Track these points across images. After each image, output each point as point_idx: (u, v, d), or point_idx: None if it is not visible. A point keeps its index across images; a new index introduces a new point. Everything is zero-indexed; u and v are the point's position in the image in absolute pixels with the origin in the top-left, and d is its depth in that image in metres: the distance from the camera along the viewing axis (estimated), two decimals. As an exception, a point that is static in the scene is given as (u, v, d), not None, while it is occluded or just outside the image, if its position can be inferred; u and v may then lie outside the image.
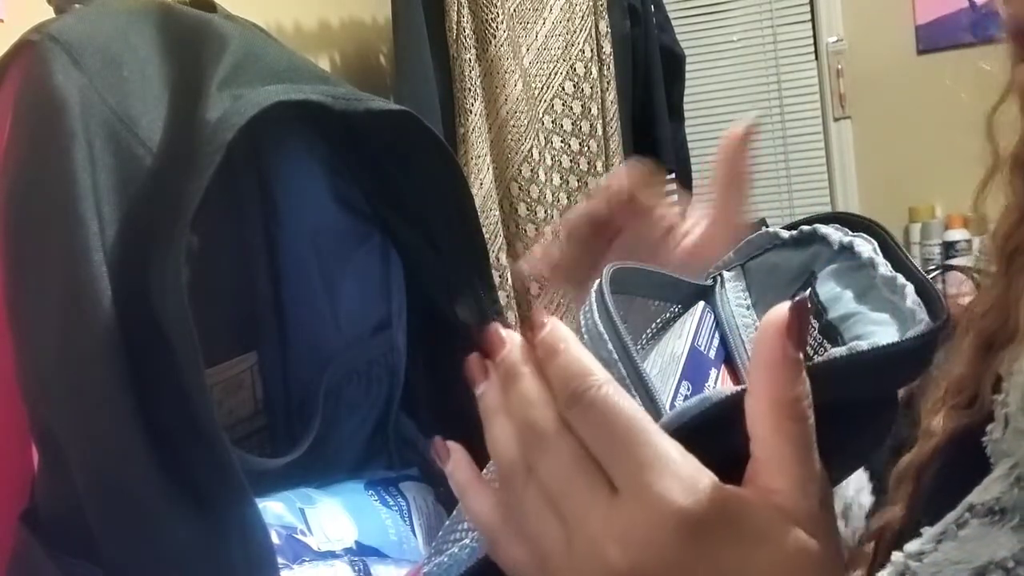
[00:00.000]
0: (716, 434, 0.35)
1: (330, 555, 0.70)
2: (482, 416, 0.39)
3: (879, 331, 0.39)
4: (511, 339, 0.39)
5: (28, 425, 0.62)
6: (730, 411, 0.35)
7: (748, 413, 0.35)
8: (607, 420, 0.34)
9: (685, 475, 0.33)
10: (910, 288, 0.39)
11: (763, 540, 0.33)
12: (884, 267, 0.41)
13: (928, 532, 0.41)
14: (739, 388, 0.36)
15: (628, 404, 0.35)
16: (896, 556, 0.41)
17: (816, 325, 0.43)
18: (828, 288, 0.44)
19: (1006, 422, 0.43)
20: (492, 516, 0.39)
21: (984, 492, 0.41)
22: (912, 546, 0.41)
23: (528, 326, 0.38)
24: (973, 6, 2.47)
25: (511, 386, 0.38)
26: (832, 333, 0.42)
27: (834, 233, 0.45)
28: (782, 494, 0.34)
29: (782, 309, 0.34)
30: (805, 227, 0.47)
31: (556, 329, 0.37)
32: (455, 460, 0.41)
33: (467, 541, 0.42)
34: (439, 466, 0.42)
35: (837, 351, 0.37)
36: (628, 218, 0.59)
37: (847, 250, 0.44)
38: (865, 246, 0.43)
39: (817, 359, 0.37)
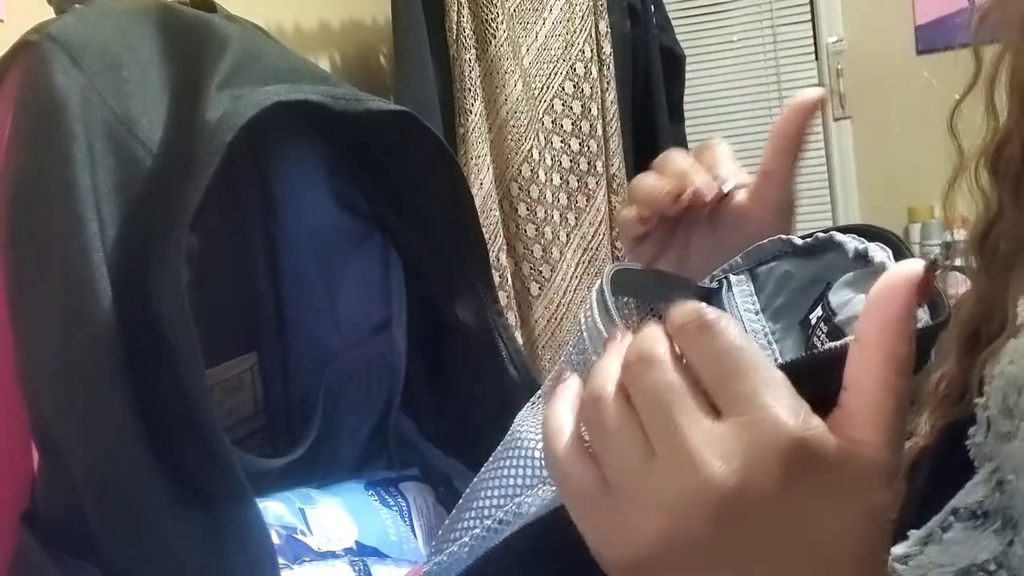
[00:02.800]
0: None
1: (330, 555, 0.70)
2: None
3: None
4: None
5: (29, 426, 0.62)
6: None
7: (853, 361, 0.34)
8: (725, 343, 0.34)
9: (799, 410, 0.33)
10: None
11: (858, 490, 0.33)
12: None
13: (914, 535, 0.42)
14: (834, 345, 0.36)
15: (741, 331, 0.35)
16: None
17: (825, 329, 0.43)
18: (841, 295, 0.43)
19: (988, 426, 0.43)
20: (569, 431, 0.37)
21: (967, 496, 0.41)
22: (898, 549, 0.41)
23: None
24: (973, 6, 2.47)
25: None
26: (839, 335, 0.42)
27: (850, 241, 0.44)
28: (873, 447, 0.34)
29: (915, 264, 0.34)
30: (820, 234, 0.47)
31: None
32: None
33: (467, 539, 0.42)
34: None
35: (834, 344, 0.37)
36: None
37: (862, 258, 0.43)
38: (879, 252, 0.43)
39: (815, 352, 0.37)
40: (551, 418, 0.38)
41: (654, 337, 0.36)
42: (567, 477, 0.37)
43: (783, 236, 0.49)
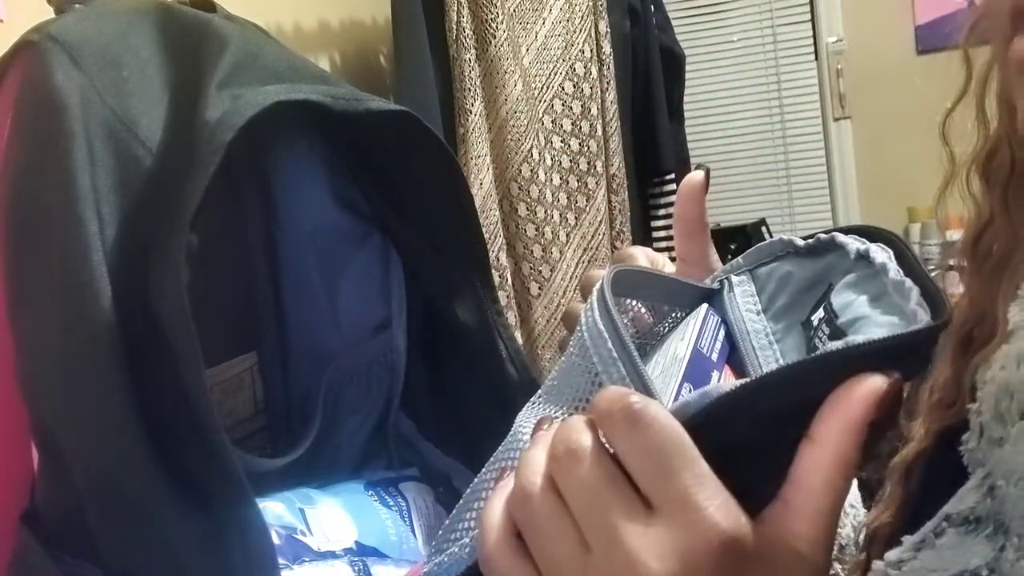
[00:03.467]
0: (713, 430, 0.36)
1: (330, 555, 0.70)
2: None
3: (881, 332, 0.39)
4: None
5: (28, 426, 0.62)
6: (729, 408, 0.35)
7: (804, 458, 0.35)
8: (653, 438, 0.35)
9: (730, 507, 0.34)
10: (916, 291, 0.39)
11: None
12: (895, 272, 0.41)
13: (908, 541, 0.42)
14: (739, 383, 0.36)
15: (675, 422, 0.35)
16: (876, 564, 0.42)
17: (827, 331, 0.43)
18: (843, 297, 0.44)
19: (980, 431, 0.43)
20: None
21: (959, 502, 0.42)
22: (892, 554, 0.42)
23: None
24: (972, 7, 2.47)
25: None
26: (840, 337, 0.42)
27: (851, 242, 0.44)
28: (808, 541, 0.35)
29: (880, 379, 0.35)
30: (822, 235, 0.47)
31: None
32: None
33: (467, 540, 0.42)
34: None
35: (832, 345, 0.37)
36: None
37: (863, 259, 0.43)
38: (880, 253, 0.43)
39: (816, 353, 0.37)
40: (486, 517, 0.39)
41: (579, 428, 0.37)
42: (503, 574, 0.37)
43: (784, 237, 0.49)
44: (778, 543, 0.35)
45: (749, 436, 0.36)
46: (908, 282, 0.40)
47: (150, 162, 0.61)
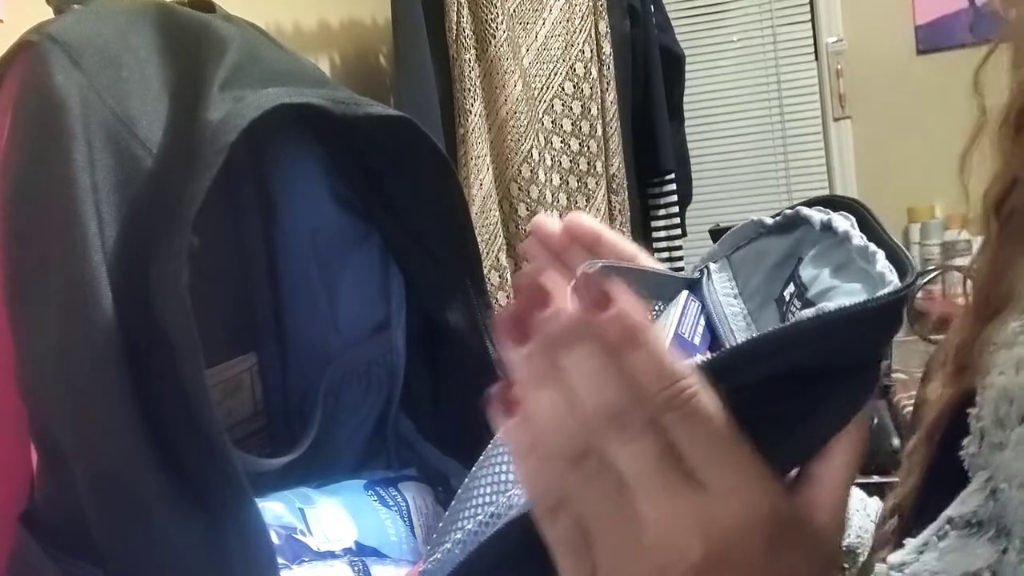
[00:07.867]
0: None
1: (330, 555, 0.70)
2: (524, 380, 0.37)
3: (850, 300, 0.39)
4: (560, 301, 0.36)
5: (28, 426, 0.62)
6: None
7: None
8: (710, 426, 0.35)
9: (771, 484, 0.36)
10: (881, 254, 0.40)
11: (821, 544, 0.39)
12: (858, 238, 0.42)
13: (910, 544, 0.42)
14: (714, 354, 0.37)
15: (720, 407, 0.36)
16: (879, 567, 0.42)
17: (799, 304, 0.44)
18: (810, 271, 0.45)
19: (981, 436, 0.43)
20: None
21: (962, 505, 0.42)
22: (895, 557, 0.42)
23: (593, 295, 0.34)
24: (973, 6, 2.47)
25: (569, 357, 0.36)
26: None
27: (816, 214, 0.46)
28: (829, 510, 0.39)
29: None
30: (788, 211, 0.48)
31: (634, 312, 0.34)
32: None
33: (459, 536, 0.42)
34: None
35: (804, 313, 0.37)
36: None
37: (828, 229, 0.44)
38: (843, 222, 0.44)
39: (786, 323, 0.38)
40: (534, 478, 0.38)
41: (623, 395, 0.35)
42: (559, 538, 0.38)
43: (754, 219, 0.50)
44: (808, 517, 0.38)
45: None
46: (872, 246, 0.41)
47: (150, 162, 0.61)
